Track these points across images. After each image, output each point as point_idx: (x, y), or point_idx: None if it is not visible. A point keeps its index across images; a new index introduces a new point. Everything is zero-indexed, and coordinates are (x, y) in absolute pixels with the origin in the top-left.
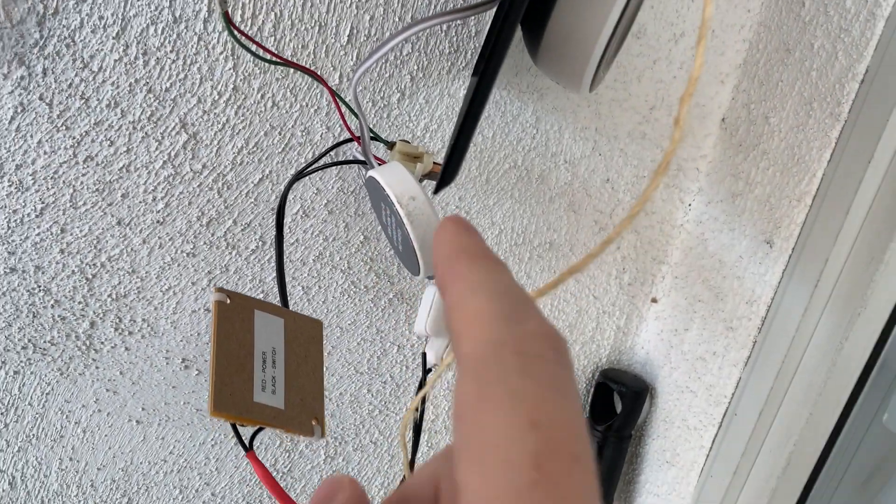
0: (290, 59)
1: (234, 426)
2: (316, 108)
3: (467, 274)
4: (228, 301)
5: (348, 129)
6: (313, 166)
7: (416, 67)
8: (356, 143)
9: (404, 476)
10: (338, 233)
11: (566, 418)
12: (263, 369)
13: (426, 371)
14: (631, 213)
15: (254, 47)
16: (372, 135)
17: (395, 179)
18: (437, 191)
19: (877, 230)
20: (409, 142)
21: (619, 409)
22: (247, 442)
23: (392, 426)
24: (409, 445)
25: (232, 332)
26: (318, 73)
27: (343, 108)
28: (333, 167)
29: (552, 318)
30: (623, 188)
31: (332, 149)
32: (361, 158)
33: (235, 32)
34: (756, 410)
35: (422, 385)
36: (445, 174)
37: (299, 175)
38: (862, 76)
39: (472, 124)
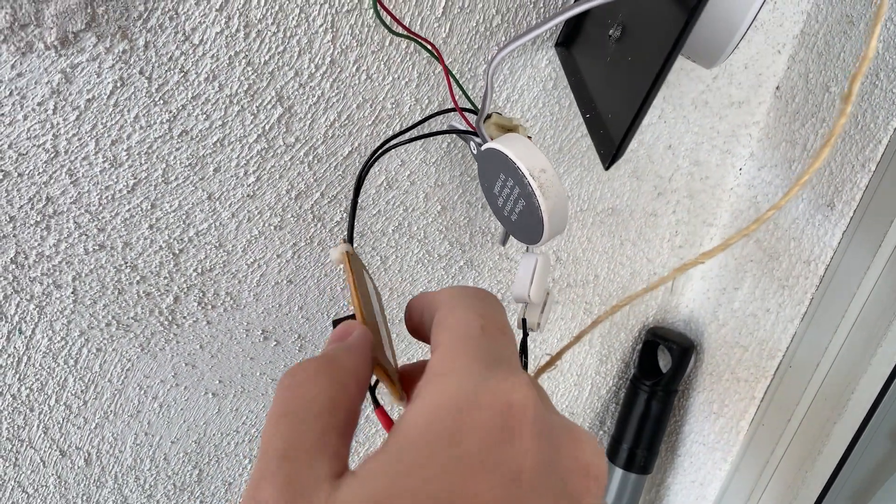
0: (402, 32)
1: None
2: (406, 80)
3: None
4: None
5: (455, 102)
6: (406, 136)
7: (503, 38)
8: (448, 115)
9: None
10: (417, 203)
11: (498, 317)
12: (383, 324)
13: (525, 335)
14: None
15: (388, 19)
16: (472, 107)
17: (524, 152)
18: (609, 166)
19: None
20: (501, 114)
21: (662, 364)
22: None
23: None
24: None
25: (360, 285)
26: (411, 45)
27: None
28: (425, 137)
29: (609, 281)
30: (682, 154)
31: (427, 119)
32: (458, 128)
33: (378, 5)
34: (813, 363)
35: (523, 349)
36: (620, 150)
37: (391, 141)
38: None
39: (650, 101)
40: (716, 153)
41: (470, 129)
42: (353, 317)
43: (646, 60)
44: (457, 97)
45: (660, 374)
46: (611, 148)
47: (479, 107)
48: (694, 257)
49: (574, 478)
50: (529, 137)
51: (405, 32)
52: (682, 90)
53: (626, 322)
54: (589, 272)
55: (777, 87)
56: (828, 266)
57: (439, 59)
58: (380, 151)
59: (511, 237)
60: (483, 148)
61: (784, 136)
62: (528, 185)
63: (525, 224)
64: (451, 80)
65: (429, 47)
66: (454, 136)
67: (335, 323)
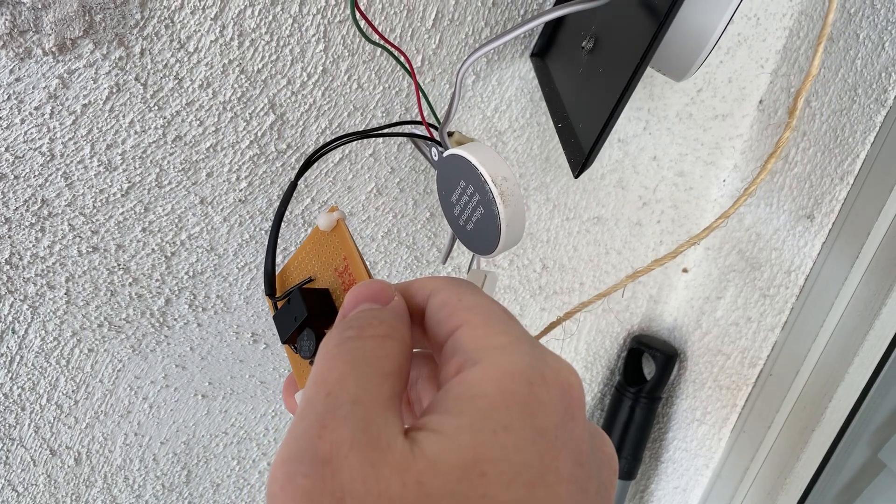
0: (378, 41)
1: None
2: (397, 89)
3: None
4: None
5: (421, 114)
6: (364, 134)
7: (492, 51)
8: (415, 126)
9: None
10: (406, 210)
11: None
12: None
13: None
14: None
15: (364, 25)
16: (436, 123)
17: (488, 159)
18: (578, 174)
19: None
20: (461, 132)
21: (647, 372)
22: None
23: None
24: None
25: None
26: (401, 56)
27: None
28: (384, 137)
29: (594, 289)
30: (667, 165)
31: (392, 125)
32: (418, 134)
33: (357, 12)
34: (792, 371)
35: None
36: (588, 159)
37: (335, 141)
38: None
39: (619, 111)
40: (700, 165)
41: (431, 138)
42: (326, 290)
43: (616, 72)
44: (425, 111)
45: (644, 381)
46: (580, 157)
47: (445, 112)
48: (645, 265)
49: (603, 468)
50: None
51: (381, 41)
52: (666, 102)
53: (611, 330)
54: (574, 280)
55: (760, 101)
56: (807, 276)
57: (410, 71)
58: (332, 145)
59: (451, 255)
60: (445, 154)
61: (767, 148)
62: (488, 192)
63: (481, 233)
64: (420, 93)
65: (402, 59)
66: None
67: (304, 291)
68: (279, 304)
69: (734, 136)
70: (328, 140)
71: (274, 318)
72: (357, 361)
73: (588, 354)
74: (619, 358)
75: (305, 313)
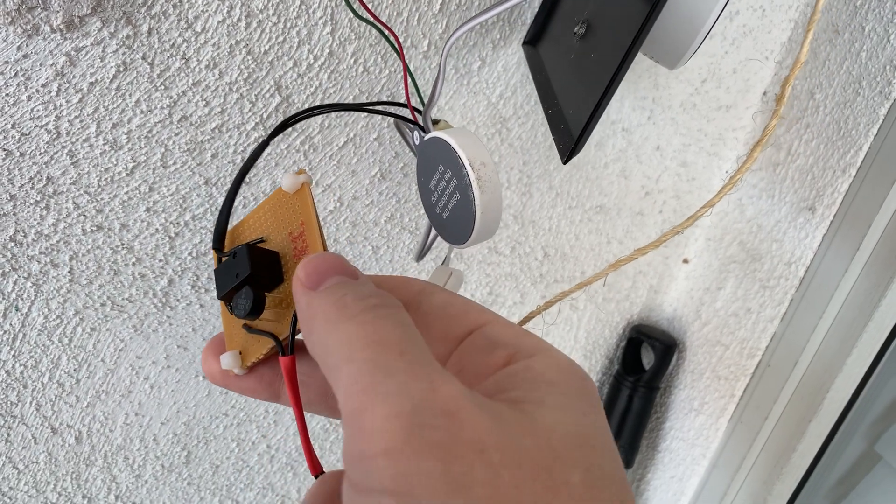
0: (386, 23)
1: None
2: (402, 73)
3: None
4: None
5: (407, 97)
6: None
7: (498, 36)
8: (401, 109)
9: None
10: (409, 195)
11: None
12: None
13: None
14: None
15: (357, 6)
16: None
17: (468, 143)
18: (566, 160)
19: None
20: (447, 121)
21: (645, 362)
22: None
23: None
24: None
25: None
26: (408, 39)
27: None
28: (364, 112)
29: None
30: (670, 155)
31: (377, 103)
32: (400, 116)
33: None
34: (791, 362)
35: None
36: (578, 144)
37: (300, 115)
38: None
39: (609, 97)
40: (703, 155)
41: (415, 121)
42: (276, 253)
43: (607, 56)
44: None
45: (642, 370)
46: (569, 142)
47: (429, 93)
48: (629, 253)
49: None
50: None
51: (370, 18)
52: (671, 92)
53: (610, 319)
54: (576, 269)
55: (764, 93)
56: (808, 268)
57: (399, 52)
58: (312, 111)
59: (427, 252)
60: (426, 137)
61: (769, 140)
62: (465, 177)
63: (456, 221)
64: (408, 75)
65: (391, 38)
66: None
67: (251, 249)
68: (223, 260)
69: (737, 127)
70: (312, 106)
71: (215, 272)
72: (406, 326)
73: (587, 343)
74: (619, 347)
75: (248, 270)
